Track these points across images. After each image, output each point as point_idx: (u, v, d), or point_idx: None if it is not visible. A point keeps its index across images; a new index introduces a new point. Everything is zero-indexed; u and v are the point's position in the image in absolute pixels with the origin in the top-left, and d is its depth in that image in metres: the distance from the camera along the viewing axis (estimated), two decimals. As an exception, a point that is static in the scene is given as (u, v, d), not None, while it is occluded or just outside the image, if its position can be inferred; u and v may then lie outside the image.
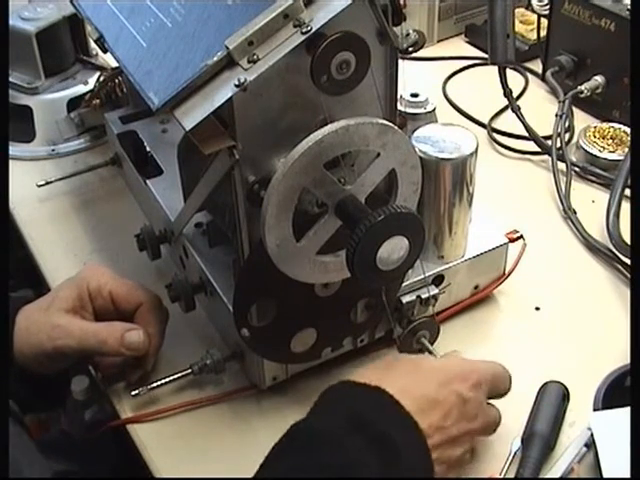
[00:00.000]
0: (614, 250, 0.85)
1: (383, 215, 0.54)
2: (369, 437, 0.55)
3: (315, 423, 0.58)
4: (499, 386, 0.66)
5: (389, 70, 0.60)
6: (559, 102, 1.05)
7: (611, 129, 1.01)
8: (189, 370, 0.72)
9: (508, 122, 1.07)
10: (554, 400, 0.69)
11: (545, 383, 0.70)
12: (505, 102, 1.02)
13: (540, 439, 0.66)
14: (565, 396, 0.69)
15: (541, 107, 1.11)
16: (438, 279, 0.77)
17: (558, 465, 0.65)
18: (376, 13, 0.56)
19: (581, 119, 1.08)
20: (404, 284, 0.73)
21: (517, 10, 1.23)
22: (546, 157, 1.02)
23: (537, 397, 0.69)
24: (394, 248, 0.56)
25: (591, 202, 0.95)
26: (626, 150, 0.98)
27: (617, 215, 0.85)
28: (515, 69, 1.19)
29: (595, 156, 0.99)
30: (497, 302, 0.83)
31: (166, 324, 0.75)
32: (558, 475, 0.64)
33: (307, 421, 0.58)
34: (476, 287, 0.81)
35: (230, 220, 0.66)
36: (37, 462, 0.61)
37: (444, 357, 0.68)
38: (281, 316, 0.66)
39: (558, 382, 0.70)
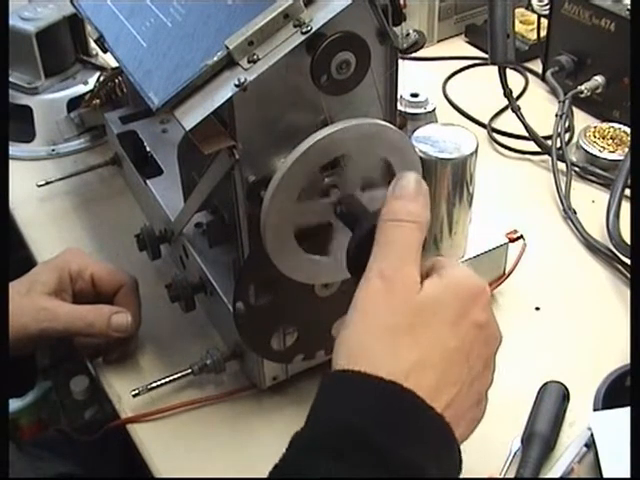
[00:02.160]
0: (614, 250, 0.85)
1: (383, 215, 0.54)
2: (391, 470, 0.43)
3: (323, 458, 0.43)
4: None
5: (389, 70, 0.60)
6: (559, 102, 1.05)
7: (611, 129, 1.01)
8: (189, 370, 0.72)
9: (508, 122, 1.07)
10: (554, 400, 0.69)
11: (545, 383, 0.70)
12: (505, 102, 1.02)
13: (540, 439, 0.66)
14: (565, 396, 0.69)
15: (541, 107, 1.11)
16: (438, 279, 0.76)
17: (558, 465, 0.65)
18: (376, 13, 0.56)
19: (581, 119, 1.08)
20: (404, 284, 0.72)
21: (517, 10, 1.23)
22: (546, 157, 1.02)
23: (537, 397, 0.69)
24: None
25: (591, 202, 0.95)
26: (626, 150, 0.98)
27: (617, 215, 0.85)
28: (515, 69, 1.19)
29: (595, 156, 0.99)
30: (497, 302, 0.83)
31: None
32: (558, 475, 0.64)
33: (313, 453, 0.44)
34: (476, 287, 0.80)
35: (230, 220, 0.66)
36: None
37: (439, 275, 0.49)
38: (275, 307, 0.66)
39: (558, 382, 0.70)
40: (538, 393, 0.70)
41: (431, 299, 0.48)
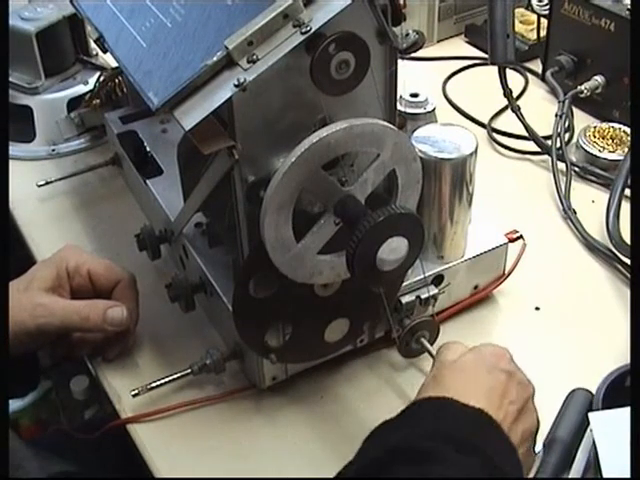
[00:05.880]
0: (614, 250, 0.85)
1: (383, 216, 0.54)
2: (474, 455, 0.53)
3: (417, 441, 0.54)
4: None
5: (389, 70, 0.60)
6: (559, 102, 1.05)
7: (611, 129, 1.01)
8: (189, 370, 0.72)
9: (508, 122, 1.07)
10: (579, 407, 0.67)
11: (573, 390, 0.68)
12: (505, 102, 1.02)
13: (560, 445, 0.65)
14: (592, 404, 0.68)
15: (541, 107, 1.11)
16: (438, 279, 0.77)
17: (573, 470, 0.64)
18: (376, 13, 0.56)
19: (581, 119, 1.08)
20: (404, 284, 0.73)
21: (517, 10, 1.23)
22: (546, 157, 1.02)
23: (564, 403, 0.68)
24: (394, 248, 0.56)
25: (591, 202, 0.95)
26: (626, 150, 0.98)
27: (617, 215, 0.85)
28: (515, 69, 1.19)
29: (595, 156, 0.99)
30: (497, 302, 0.83)
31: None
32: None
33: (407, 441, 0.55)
34: (476, 287, 0.81)
35: (229, 221, 0.66)
36: None
37: (470, 350, 0.65)
38: (274, 302, 0.66)
39: (586, 390, 0.68)
40: (565, 399, 0.68)
41: (465, 360, 0.62)
